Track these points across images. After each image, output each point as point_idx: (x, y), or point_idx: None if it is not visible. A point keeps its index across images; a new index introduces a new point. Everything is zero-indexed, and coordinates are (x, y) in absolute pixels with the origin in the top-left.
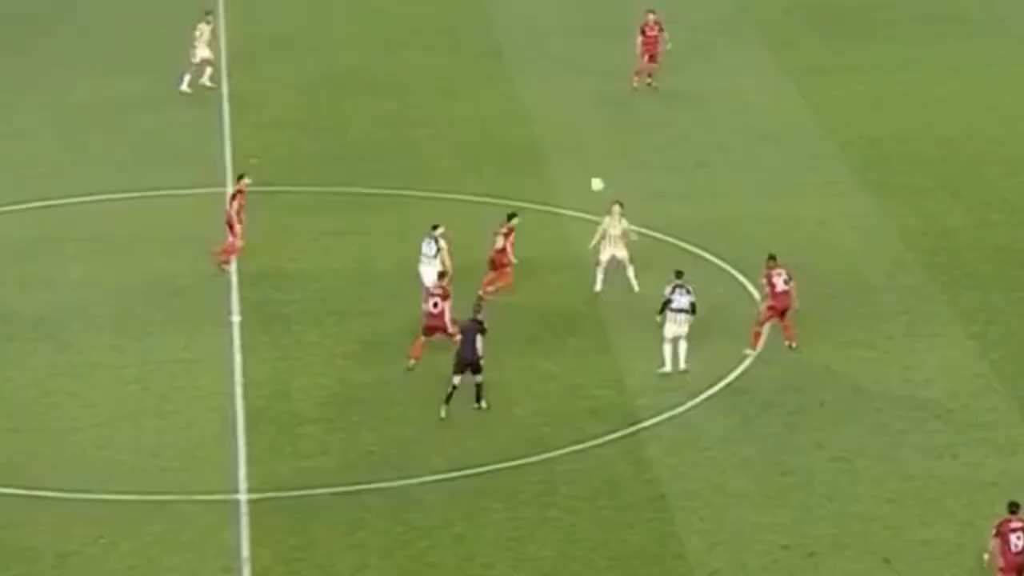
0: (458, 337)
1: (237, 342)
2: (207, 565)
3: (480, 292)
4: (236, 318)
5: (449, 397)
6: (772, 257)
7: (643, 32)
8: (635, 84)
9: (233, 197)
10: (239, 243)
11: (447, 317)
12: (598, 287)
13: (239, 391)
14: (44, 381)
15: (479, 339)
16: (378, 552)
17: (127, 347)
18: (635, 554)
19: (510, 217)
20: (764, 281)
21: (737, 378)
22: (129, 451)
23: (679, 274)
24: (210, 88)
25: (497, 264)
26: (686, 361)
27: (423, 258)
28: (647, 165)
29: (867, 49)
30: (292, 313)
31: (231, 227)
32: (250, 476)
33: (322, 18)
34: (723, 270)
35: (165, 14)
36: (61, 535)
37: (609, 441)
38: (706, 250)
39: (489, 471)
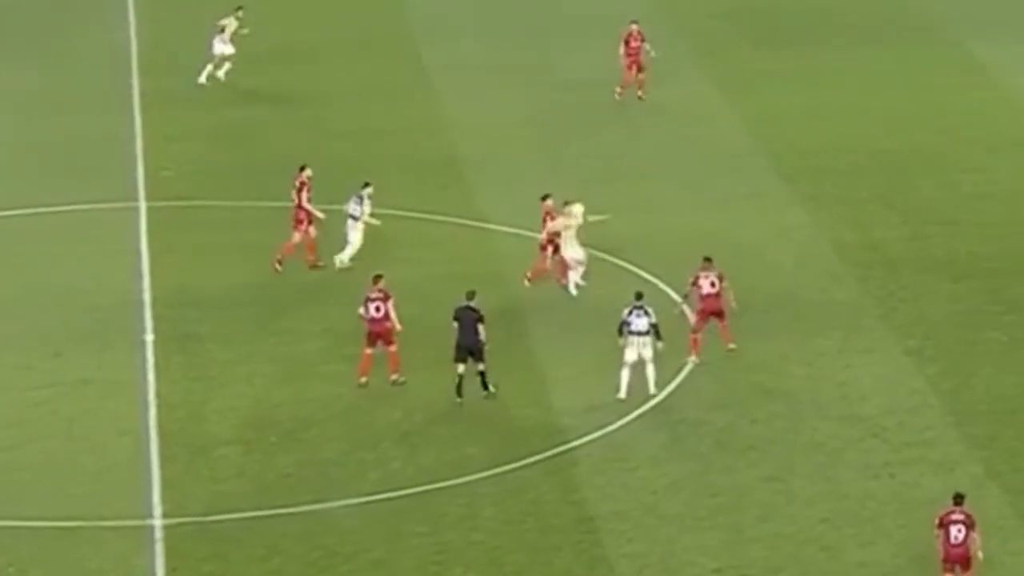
0: (399, 327)
1: (150, 362)
2: None
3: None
4: (149, 337)
5: (459, 388)
6: (707, 259)
7: (627, 43)
8: (618, 96)
9: (299, 190)
10: (309, 235)
11: (392, 318)
12: (573, 291)
13: (152, 413)
14: None
15: (480, 326)
16: None
17: (35, 367)
18: None
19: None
20: (690, 283)
21: (667, 396)
22: (38, 476)
23: (639, 296)
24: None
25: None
26: (655, 386)
27: (348, 220)
28: (573, 177)
29: (798, 57)
30: (206, 332)
31: (299, 223)
32: (163, 501)
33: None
34: (652, 285)
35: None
36: None
37: (535, 462)
38: (634, 264)
39: (410, 494)
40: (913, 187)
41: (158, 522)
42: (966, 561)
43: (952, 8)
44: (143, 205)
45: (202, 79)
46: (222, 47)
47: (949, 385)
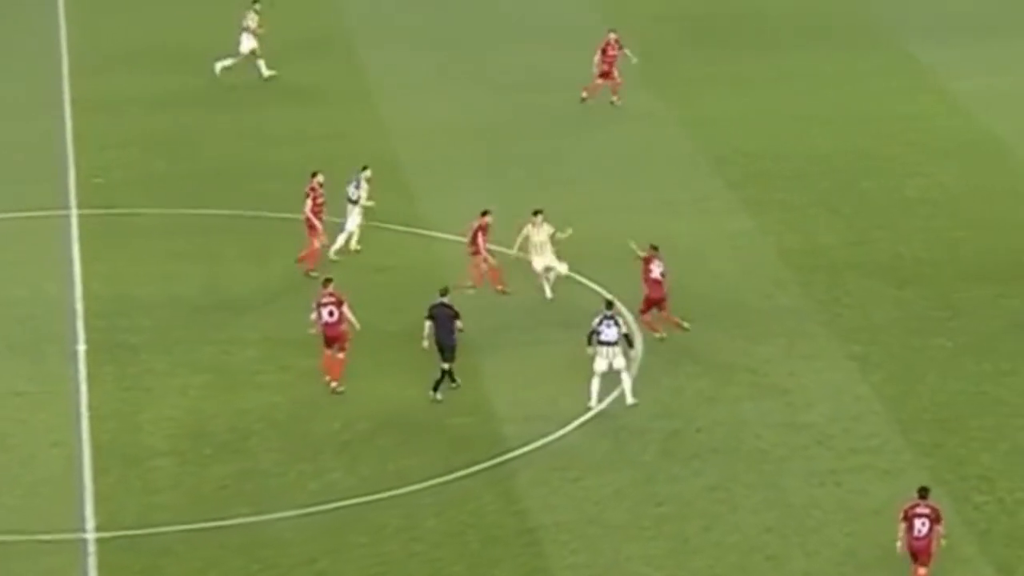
0: (357, 326)
1: (82, 372)
2: None
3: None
4: (81, 347)
5: (438, 383)
6: (655, 247)
7: (604, 52)
8: (584, 96)
9: (306, 196)
10: (319, 242)
11: (350, 319)
12: (548, 295)
13: (85, 424)
14: None
15: (456, 323)
16: None
17: None
18: None
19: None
20: (643, 269)
21: (610, 404)
22: None
23: (609, 305)
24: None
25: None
26: (632, 395)
27: (348, 205)
28: (516, 183)
29: (739, 61)
30: (140, 342)
31: (312, 228)
32: (97, 514)
33: (168, 32)
34: (594, 292)
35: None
36: None
37: (476, 472)
38: (575, 270)
39: (351, 504)
40: (857, 191)
41: (91, 535)
42: (927, 555)
43: (894, 12)
44: (75, 213)
45: (265, 73)
46: (249, 43)
47: (894, 392)
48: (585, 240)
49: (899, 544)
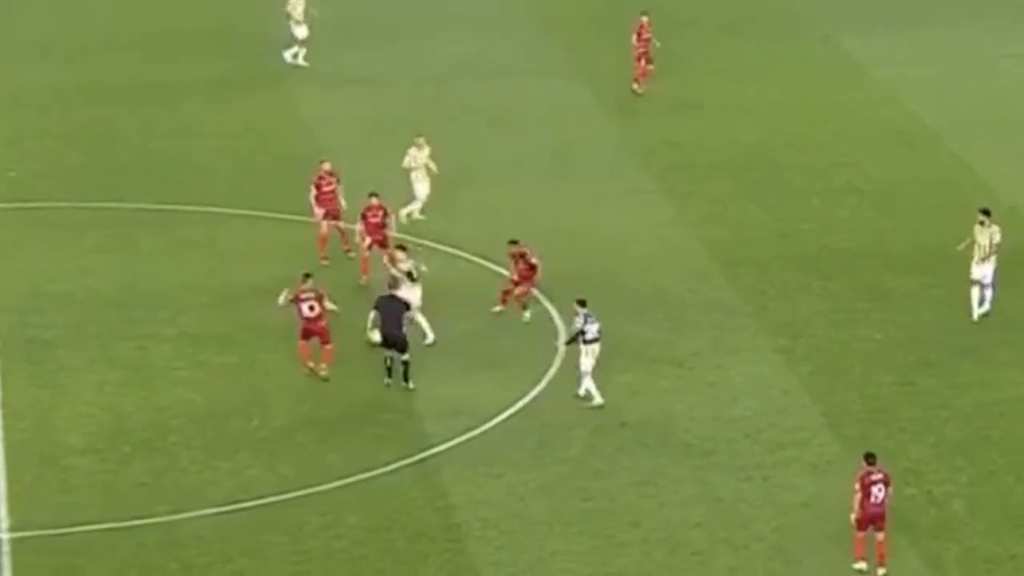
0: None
1: None
2: None
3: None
4: None
5: (389, 370)
6: (513, 241)
7: (638, 35)
8: (637, 89)
9: (311, 184)
10: (321, 228)
11: (329, 311)
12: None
13: None
14: None
15: (404, 315)
16: None
17: None
18: None
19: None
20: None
21: (533, 399)
22: None
23: (582, 303)
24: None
25: None
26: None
27: (411, 174)
28: (439, 178)
29: (666, 51)
30: (54, 338)
31: (313, 214)
32: (11, 514)
33: (80, 21)
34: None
35: None
36: None
37: (399, 468)
38: (498, 263)
39: (271, 502)
40: (783, 182)
41: (5, 535)
42: (883, 520)
43: (820, 2)
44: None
45: (302, 63)
46: (299, 31)
47: (821, 384)
48: (511, 233)
49: (854, 515)
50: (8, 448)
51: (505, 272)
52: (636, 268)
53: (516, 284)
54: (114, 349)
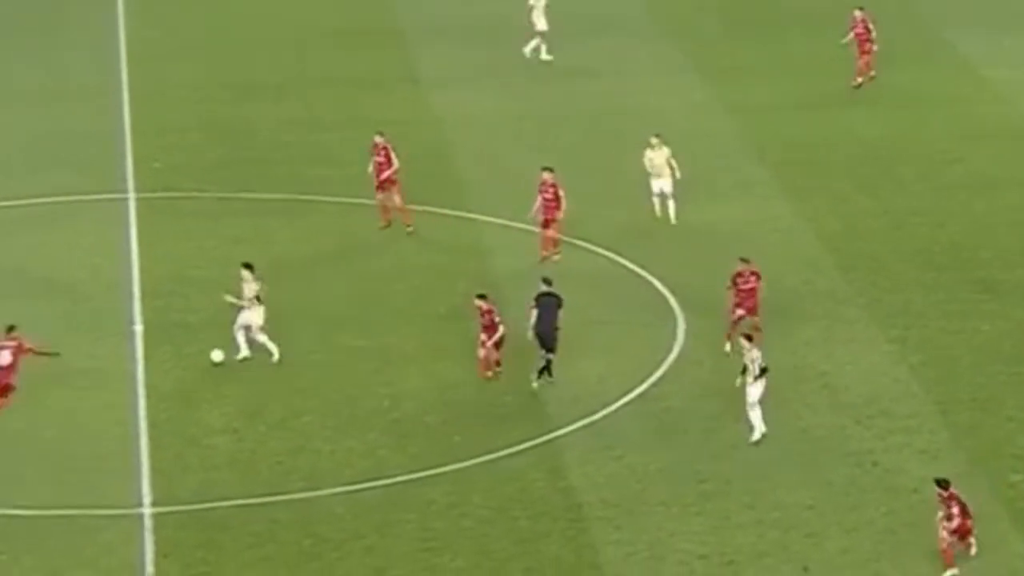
0: None
1: (140, 352)
2: None
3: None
4: (138, 327)
5: (540, 371)
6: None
7: (855, 32)
8: (859, 82)
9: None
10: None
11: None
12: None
13: (142, 402)
14: None
15: (559, 312)
16: (286, 565)
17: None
18: (550, 564)
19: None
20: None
21: (653, 385)
22: (31, 465)
23: (749, 338)
24: (545, 61)
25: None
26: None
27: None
28: (564, 170)
29: (785, 47)
30: (196, 321)
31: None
32: (154, 490)
33: (223, 20)
34: (640, 276)
35: None
36: None
37: (522, 450)
38: (623, 256)
39: (400, 482)
40: (896, 176)
41: (148, 511)
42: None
43: (933, 1)
44: (133, 196)
45: (545, 56)
46: (540, 23)
47: (931, 374)
48: (628, 227)
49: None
50: (151, 427)
51: (634, 266)
52: (751, 259)
53: (736, 307)
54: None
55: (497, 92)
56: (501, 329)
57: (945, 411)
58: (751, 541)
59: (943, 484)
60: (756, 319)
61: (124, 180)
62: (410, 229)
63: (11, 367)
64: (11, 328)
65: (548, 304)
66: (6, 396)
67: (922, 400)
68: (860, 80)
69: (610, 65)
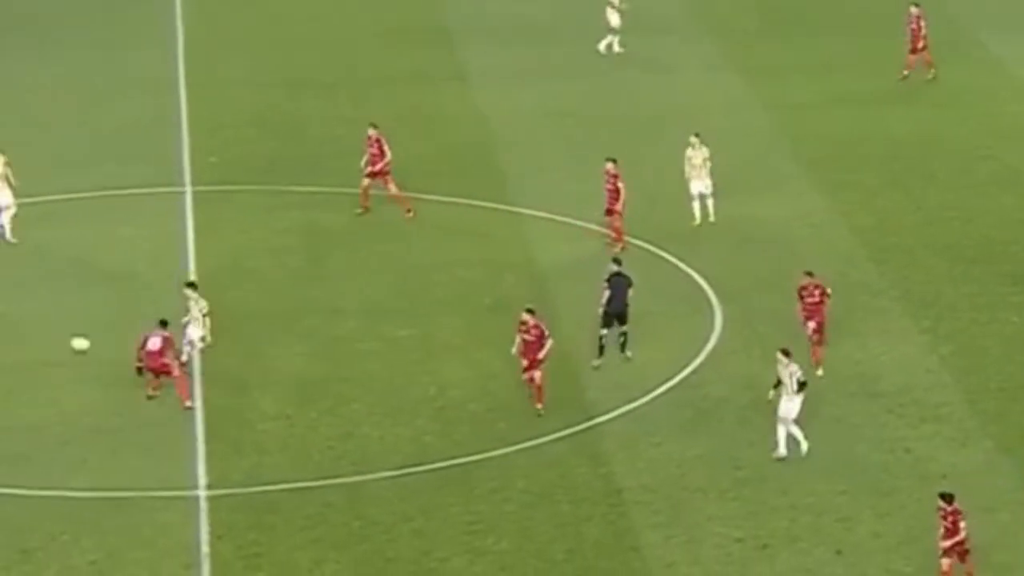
0: None
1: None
2: (168, 561)
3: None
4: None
5: (601, 349)
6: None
7: (911, 28)
8: (905, 74)
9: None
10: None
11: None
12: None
13: (198, 389)
14: (5, 378)
15: (630, 291)
16: (337, 546)
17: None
18: (591, 547)
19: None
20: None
21: (691, 374)
22: (90, 448)
23: (786, 352)
24: (618, 53)
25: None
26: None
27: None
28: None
29: (819, 47)
30: (250, 311)
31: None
32: (209, 472)
33: (277, 18)
34: (679, 269)
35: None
36: (22, 531)
37: (564, 436)
38: (663, 249)
39: (446, 466)
40: (928, 173)
41: (203, 493)
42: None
43: (965, 3)
44: (189, 190)
45: (617, 49)
46: (614, 18)
47: (962, 364)
48: (666, 222)
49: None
50: (207, 412)
51: (673, 259)
52: (784, 252)
53: (807, 320)
54: (303, 322)
55: (541, 89)
56: (549, 343)
57: (974, 400)
58: (785, 525)
59: (947, 498)
60: (819, 335)
61: (181, 174)
62: (410, 214)
63: (160, 352)
64: (164, 323)
65: (619, 284)
66: (163, 376)
67: (953, 389)
68: (906, 73)
69: (650, 63)
